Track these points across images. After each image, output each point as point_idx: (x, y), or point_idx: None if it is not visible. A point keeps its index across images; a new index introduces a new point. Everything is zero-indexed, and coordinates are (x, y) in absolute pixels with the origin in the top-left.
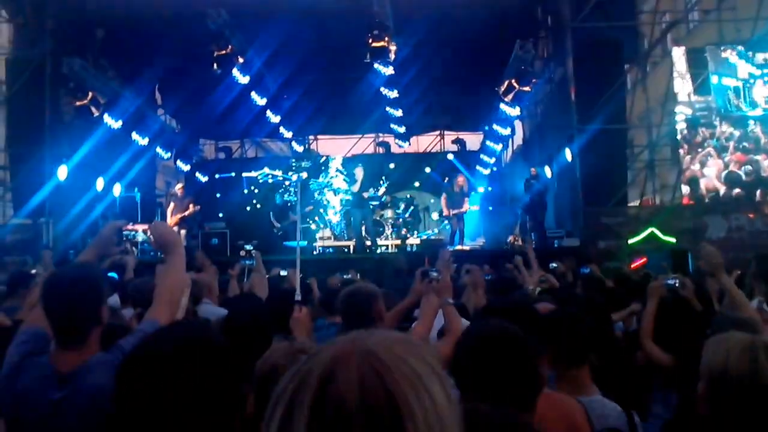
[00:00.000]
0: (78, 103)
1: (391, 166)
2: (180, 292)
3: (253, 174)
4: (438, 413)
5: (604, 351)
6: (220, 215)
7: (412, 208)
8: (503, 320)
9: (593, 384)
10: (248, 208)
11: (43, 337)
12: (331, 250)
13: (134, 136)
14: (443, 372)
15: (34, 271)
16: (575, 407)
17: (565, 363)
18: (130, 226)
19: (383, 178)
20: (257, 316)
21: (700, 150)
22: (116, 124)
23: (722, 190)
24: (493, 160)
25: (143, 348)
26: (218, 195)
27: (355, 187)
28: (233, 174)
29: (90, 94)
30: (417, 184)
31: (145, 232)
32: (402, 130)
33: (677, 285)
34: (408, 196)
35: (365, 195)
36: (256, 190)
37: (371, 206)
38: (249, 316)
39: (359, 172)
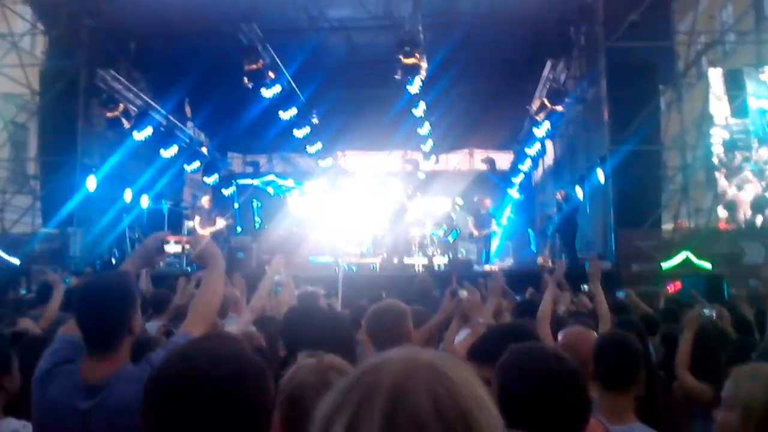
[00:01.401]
0: (109, 115)
1: (432, 162)
2: (216, 307)
3: (253, 182)
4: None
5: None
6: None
7: (457, 229)
8: (553, 348)
9: (634, 413)
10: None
11: (76, 346)
12: (356, 267)
13: (163, 148)
14: None
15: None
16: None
17: (610, 387)
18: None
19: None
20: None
21: (738, 174)
22: (145, 134)
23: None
24: (522, 178)
25: (172, 362)
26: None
27: (391, 204)
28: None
29: (121, 105)
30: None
31: (178, 241)
32: (431, 147)
33: (714, 315)
34: (453, 216)
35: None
36: (258, 203)
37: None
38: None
39: (400, 190)
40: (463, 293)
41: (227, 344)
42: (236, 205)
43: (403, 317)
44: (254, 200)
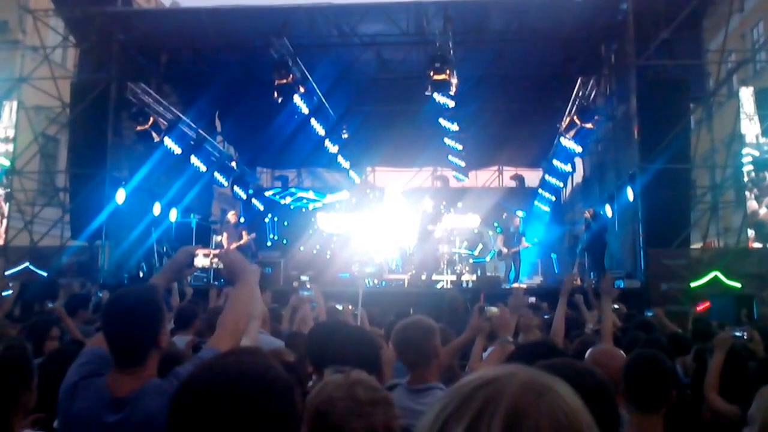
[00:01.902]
0: (139, 128)
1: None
2: (246, 322)
3: (267, 193)
4: None
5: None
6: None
7: (494, 250)
8: (582, 362)
9: None
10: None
11: (103, 359)
12: (384, 283)
13: (192, 162)
14: None
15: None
16: None
17: (641, 407)
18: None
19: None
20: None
21: None
22: (176, 150)
23: None
24: (552, 198)
25: (199, 376)
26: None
27: (420, 220)
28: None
29: (151, 119)
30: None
31: (207, 255)
32: (461, 164)
33: (746, 337)
34: (490, 233)
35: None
36: (274, 218)
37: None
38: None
39: (427, 206)
40: (493, 310)
41: (254, 359)
42: (242, 219)
43: (432, 334)
44: (269, 215)
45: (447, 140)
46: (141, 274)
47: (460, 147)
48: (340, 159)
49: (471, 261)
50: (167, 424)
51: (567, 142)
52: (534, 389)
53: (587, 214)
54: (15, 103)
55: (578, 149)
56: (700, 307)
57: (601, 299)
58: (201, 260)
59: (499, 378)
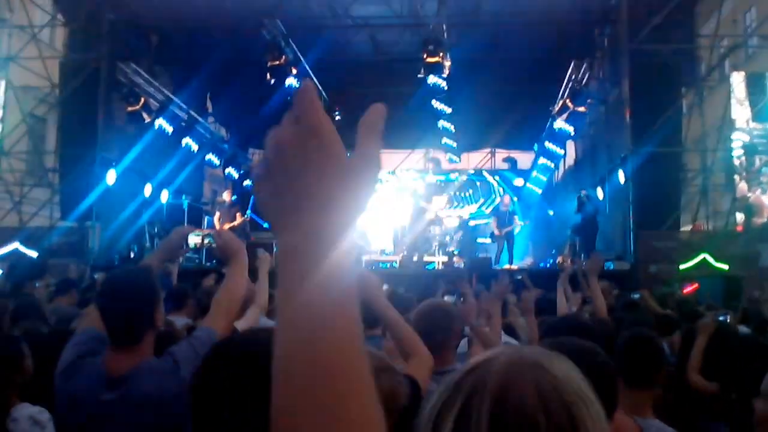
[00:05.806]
0: (130, 109)
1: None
2: (240, 301)
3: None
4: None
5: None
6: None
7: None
8: (583, 339)
9: (651, 409)
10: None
11: (99, 339)
12: (381, 265)
13: (184, 142)
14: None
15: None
16: (634, 428)
17: (632, 384)
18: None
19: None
20: None
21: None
22: (167, 130)
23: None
24: (543, 179)
25: (221, 350)
26: None
27: (412, 202)
28: None
29: (142, 99)
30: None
31: (198, 234)
32: (453, 146)
33: (729, 320)
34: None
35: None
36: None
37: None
38: None
39: (419, 187)
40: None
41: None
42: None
43: (455, 317)
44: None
45: (439, 122)
46: (132, 255)
47: (452, 129)
48: None
49: (447, 239)
50: (192, 397)
51: (560, 124)
52: (518, 366)
53: (583, 194)
54: (3, 83)
55: (570, 129)
56: (686, 289)
57: (588, 277)
58: (193, 240)
59: (485, 361)
